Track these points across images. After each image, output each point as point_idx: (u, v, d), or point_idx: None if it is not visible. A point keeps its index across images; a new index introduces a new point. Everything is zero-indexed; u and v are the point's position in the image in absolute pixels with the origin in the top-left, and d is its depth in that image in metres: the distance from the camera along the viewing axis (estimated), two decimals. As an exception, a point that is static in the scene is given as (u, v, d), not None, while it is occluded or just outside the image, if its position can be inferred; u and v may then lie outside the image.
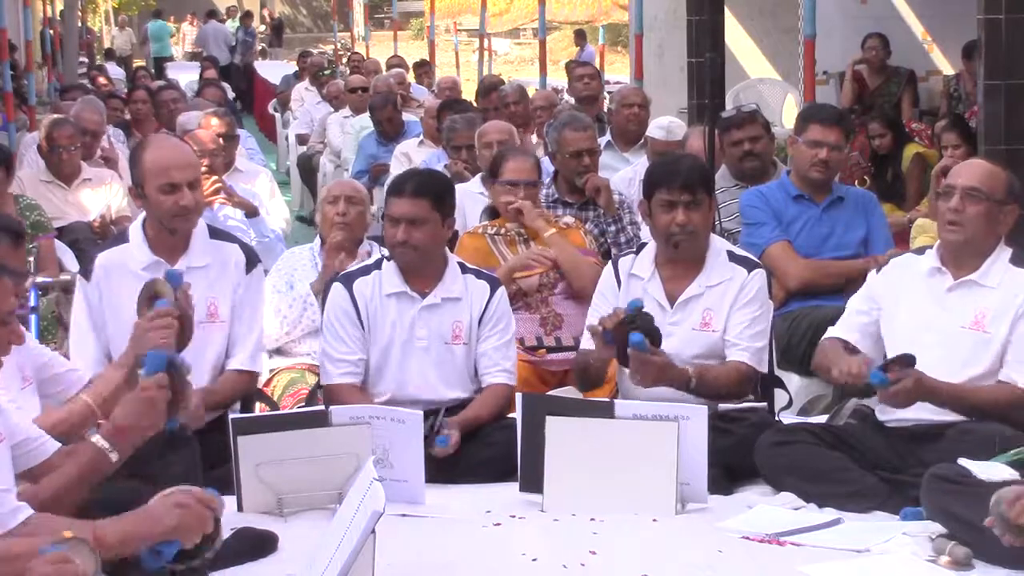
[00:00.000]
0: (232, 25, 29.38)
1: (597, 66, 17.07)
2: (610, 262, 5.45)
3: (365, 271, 5.31)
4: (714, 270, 5.20)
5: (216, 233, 5.15)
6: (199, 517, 3.33)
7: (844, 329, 4.97)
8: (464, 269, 5.33)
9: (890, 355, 4.76)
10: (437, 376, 5.19)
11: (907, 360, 4.60)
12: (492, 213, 6.48)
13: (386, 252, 5.35)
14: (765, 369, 5.29)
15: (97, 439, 3.57)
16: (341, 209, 6.14)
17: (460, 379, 5.23)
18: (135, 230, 5.05)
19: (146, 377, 3.78)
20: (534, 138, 9.49)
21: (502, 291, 5.35)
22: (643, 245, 5.37)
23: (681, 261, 5.21)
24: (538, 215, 6.21)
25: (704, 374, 4.98)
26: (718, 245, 5.29)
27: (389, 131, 11.22)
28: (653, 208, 5.21)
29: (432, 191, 5.22)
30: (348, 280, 5.27)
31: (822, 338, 5.03)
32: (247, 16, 29.38)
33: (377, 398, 5.15)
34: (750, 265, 5.24)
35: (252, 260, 5.11)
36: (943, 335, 4.76)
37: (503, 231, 6.30)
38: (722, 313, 5.16)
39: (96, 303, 4.92)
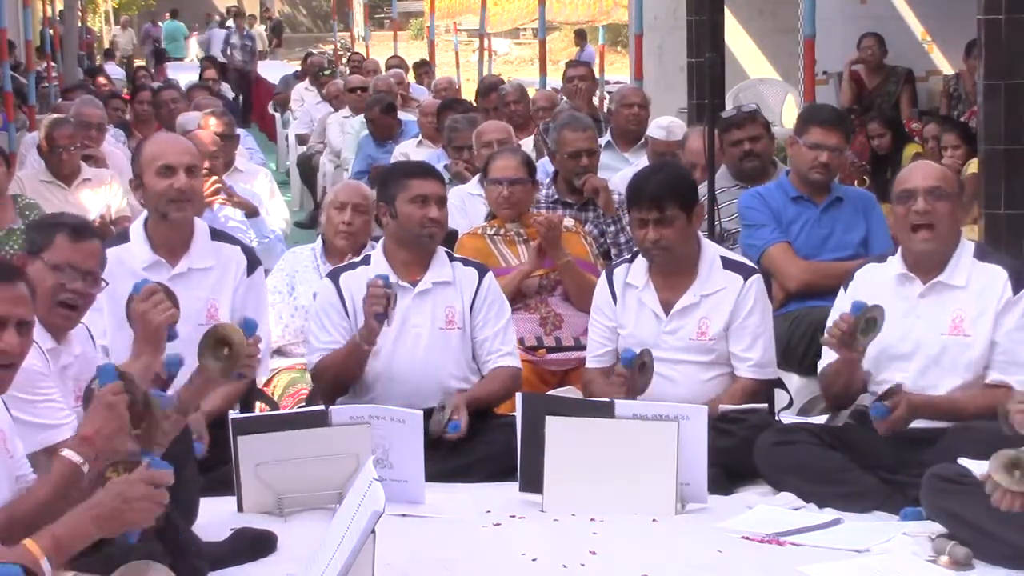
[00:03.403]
0: (229, 26, 29.27)
1: (597, 66, 17.08)
2: (604, 274, 5.45)
3: (352, 266, 5.36)
4: (709, 278, 5.20)
5: (217, 235, 5.18)
6: (154, 501, 3.30)
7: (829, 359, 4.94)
8: (451, 257, 5.37)
9: (866, 368, 4.81)
10: (434, 363, 5.17)
11: (896, 388, 4.65)
12: (494, 214, 6.49)
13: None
14: (774, 374, 5.30)
15: (66, 452, 3.50)
16: (347, 218, 6.12)
17: (458, 367, 5.23)
18: (136, 228, 5.09)
19: (101, 387, 3.62)
20: (530, 141, 9.44)
21: (490, 276, 5.38)
22: (637, 253, 5.36)
23: (672, 270, 5.21)
24: (554, 239, 6.08)
25: (715, 405, 4.97)
26: (711, 252, 5.27)
27: (378, 133, 11.18)
28: (631, 224, 5.29)
29: (442, 177, 5.49)
30: (335, 275, 5.32)
31: (820, 369, 5.00)
32: (238, 16, 29.13)
33: (369, 392, 5.16)
34: (745, 272, 5.24)
35: (253, 263, 5.14)
36: (922, 344, 4.77)
37: (502, 231, 6.31)
38: (718, 322, 5.16)
39: None
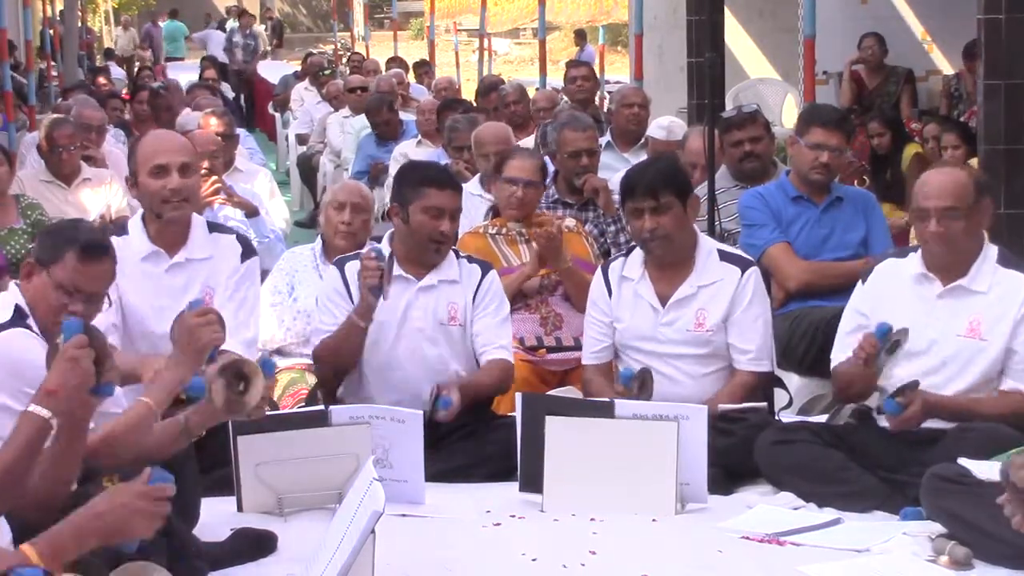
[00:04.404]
0: (231, 25, 29.13)
1: (597, 66, 17.07)
2: (599, 269, 5.46)
3: (358, 256, 5.36)
4: (705, 270, 5.20)
5: (214, 227, 5.26)
6: (151, 514, 3.27)
7: (843, 355, 4.93)
8: (457, 255, 5.39)
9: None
10: (435, 358, 5.18)
11: (913, 385, 4.63)
12: (495, 213, 6.49)
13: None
14: (772, 367, 5.30)
15: (32, 407, 3.47)
16: (347, 218, 6.10)
17: (459, 362, 5.25)
18: (134, 222, 5.17)
19: (66, 342, 3.56)
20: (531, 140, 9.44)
21: (493, 273, 5.41)
22: (633, 247, 5.37)
23: (669, 262, 5.21)
24: (555, 250, 6.03)
25: (714, 404, 4.96)
26: (707, 244, 5.29)
27: (387, 133, 11.20)
28: (627, 217, 5.27)
29: (459, 186, 5.47)
30: (340, 263, 5.36)
31: (833, 367, 5.01)
32: (243, 15, 29.00)
33: (371, 385, 5.18)
34: (743, 264, 5.24)
35: (248, 251, 5.21)
36: (937, 344, 4.75)
37: (504, 231, 6.30)
38: (716, 313, 5.17)
39: None
